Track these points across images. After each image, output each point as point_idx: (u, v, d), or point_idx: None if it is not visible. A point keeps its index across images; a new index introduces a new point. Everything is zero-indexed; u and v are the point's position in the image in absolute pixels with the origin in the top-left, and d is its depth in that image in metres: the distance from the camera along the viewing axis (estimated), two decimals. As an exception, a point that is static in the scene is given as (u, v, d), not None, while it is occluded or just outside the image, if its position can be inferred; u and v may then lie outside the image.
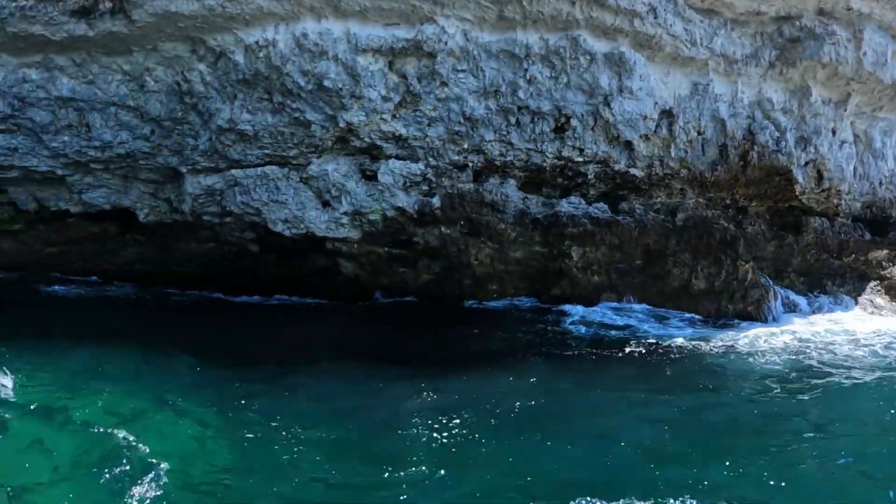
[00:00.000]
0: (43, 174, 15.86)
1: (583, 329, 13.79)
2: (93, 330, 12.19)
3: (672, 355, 11.82)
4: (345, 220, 15.22)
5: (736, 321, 14.53)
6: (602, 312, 14.84)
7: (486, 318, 14.90)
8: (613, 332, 13.55)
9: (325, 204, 15.25)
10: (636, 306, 15.16)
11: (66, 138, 15.01)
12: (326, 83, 13.56)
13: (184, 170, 15.45)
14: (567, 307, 15.10)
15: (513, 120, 14.64)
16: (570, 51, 14.19)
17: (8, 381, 8.62)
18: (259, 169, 15.05)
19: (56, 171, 15.70)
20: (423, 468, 7.09)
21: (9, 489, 6.10)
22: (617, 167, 15.27)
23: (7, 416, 7.69)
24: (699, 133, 15.72)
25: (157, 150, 15.16)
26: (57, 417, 7.75)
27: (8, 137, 15.09)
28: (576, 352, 12.13)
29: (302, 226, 15.23)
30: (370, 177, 15.02)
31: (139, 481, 6.41)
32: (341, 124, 14.04)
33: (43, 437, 7.23)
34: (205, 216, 16.16)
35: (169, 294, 17.71)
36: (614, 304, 15.23)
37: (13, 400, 8.28)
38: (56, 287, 17.65)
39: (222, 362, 10.84)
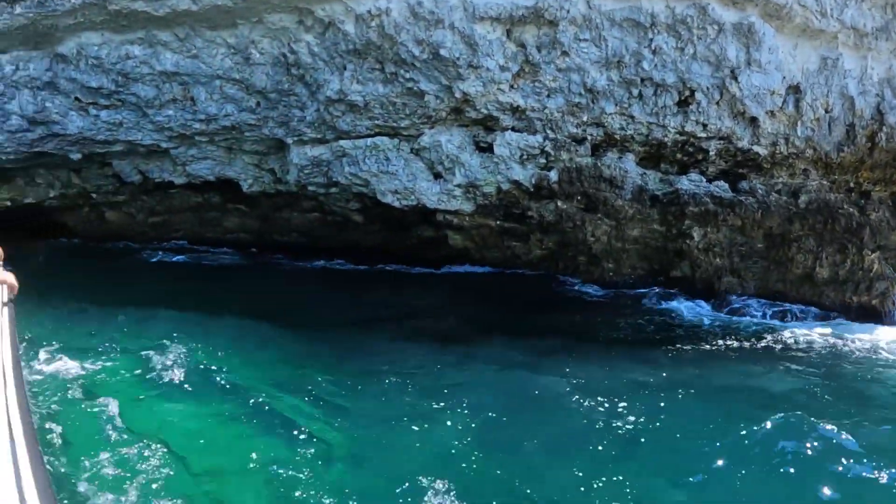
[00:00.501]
0: (147, 147, 15.50)
1: (705, 320, 12.85)
2: (223, 297, 13.23)
3: (817, 357, 10.63)
4: (457, 192, 14.43)
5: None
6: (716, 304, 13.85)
7: (600, 305, 14.02)
8: (743, 323, 12.56)
9: (437, 176, 14.47)
10: (751, 301, 13.99)
11: (170, 112, 14.52)
12: (443, 52, 12.59)
13: (290, 141, 14.85)
14: (674, 304, 13.98)
15: (635, 92, 13.43)
16: (697, 20, 12.80)
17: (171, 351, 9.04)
18: (369, 140, 14.33)
19: (160, 144, 15.30)
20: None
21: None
22: (740, 144, 13.90)
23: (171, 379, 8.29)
24: (826, 111, 14.12)
25: (263, 121, 14.55)
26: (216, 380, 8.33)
27: (112, 113, 14.70)
28: (697, 346, 11.17)
29: (413, 197, 14.53)
30: (484, 149, 14.12)
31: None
32: (457, 95, 13.11)
33: (207, 399, 7.78)
34: (310, 187, 15.62)
35: (276, 262, 17.37)
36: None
37: (174, 364, 8.69)
38: (162, 255, 17.59)
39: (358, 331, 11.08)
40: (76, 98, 14.47)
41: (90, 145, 15.38)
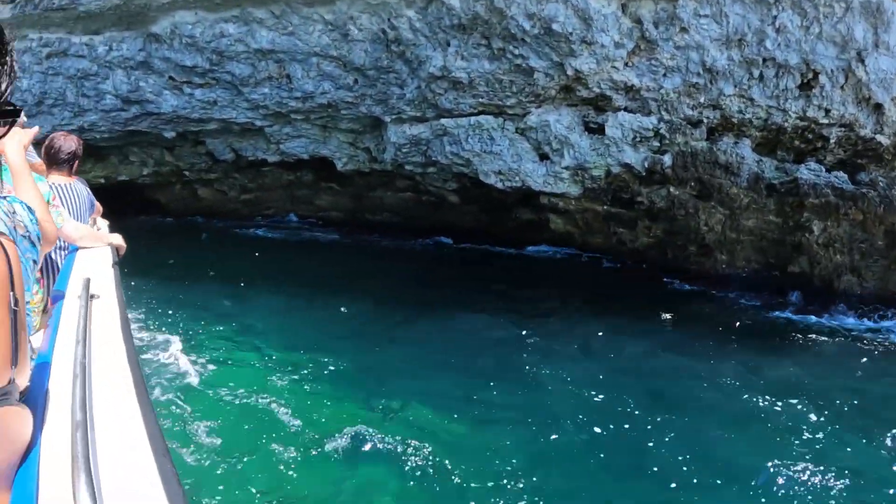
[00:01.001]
0: (241, 125, 14.99)
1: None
2: (321, 272, 13.28)
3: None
4: (565, 174, 13.46)
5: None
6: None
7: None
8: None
9: (544, 157, 13.52)
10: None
11: (265, 90, 13.92)
12: (555, 27, 11.54)
13: (387, 119, 14.09)
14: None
15: (756, 73, 12.12)
16: (823, -3, 11.45)
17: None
18: (472, 118, 13.45)
19: (255, 122, 14.76)
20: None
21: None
22: (862, 133, 12.41)
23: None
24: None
25: (360, 99, 13.80)
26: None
27: (206, 91, 14.19)
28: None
29: (517, 179, 13.64)
30: (594, 130, 13.07)
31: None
32: (569, 72, 12.07)
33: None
34: (407, 166, 14.88)
35: (372, 240, 16.80)
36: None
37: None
38: (257, 230, 17.27)
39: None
40: (170, 77, 14.01)
41: (184, 124, 14.96)
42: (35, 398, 1.53)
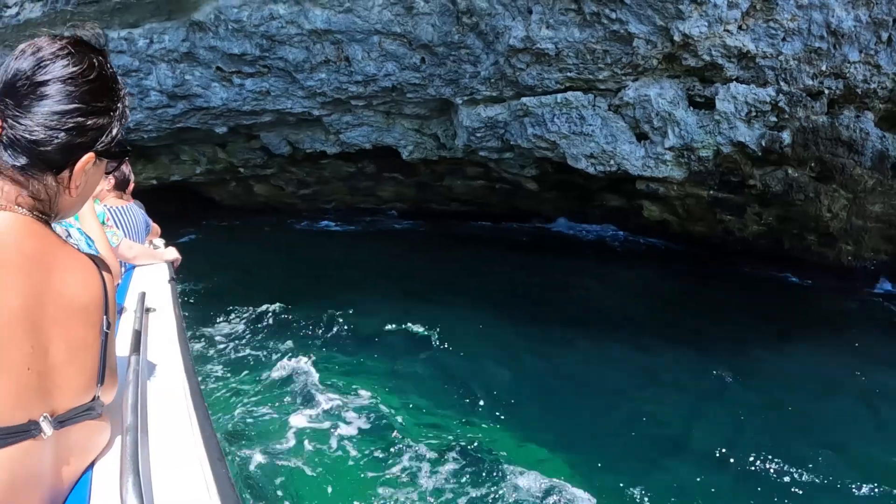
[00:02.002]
0: (297, 116, 13.47)
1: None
2: (396, 264, 12.32)
3: None
4: (668, 156, 11.61)
5: None
6: None
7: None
8: None
9: (642, 137, 11.69)
10: None
11: (322, 75, 12.33)
12: (660, -16, 9.69)
13: (458, 101, 12.41)
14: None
15: (884, 36, 10.09)
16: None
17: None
18: (558, 96, 11.68)
19: (312, 112, 13.22)
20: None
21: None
22: None
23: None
24: None
25: (428, 80, 12.13)
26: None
27: (258, 81, 12.67)
28: None
29: (612, 162, 11.85)
30: (699, 104, 11.19)
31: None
32: (675, 38, 10.18)
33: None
34: (480, 152, 13.22)
35: (445, 228, 15.26)
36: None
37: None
38: (313, 223, 15.87)
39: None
40: (217, 68, 12.51)
41: (236, 117, 13.49)
42: None
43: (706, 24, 10.07)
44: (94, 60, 1.21)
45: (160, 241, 4.87)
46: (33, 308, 1.14)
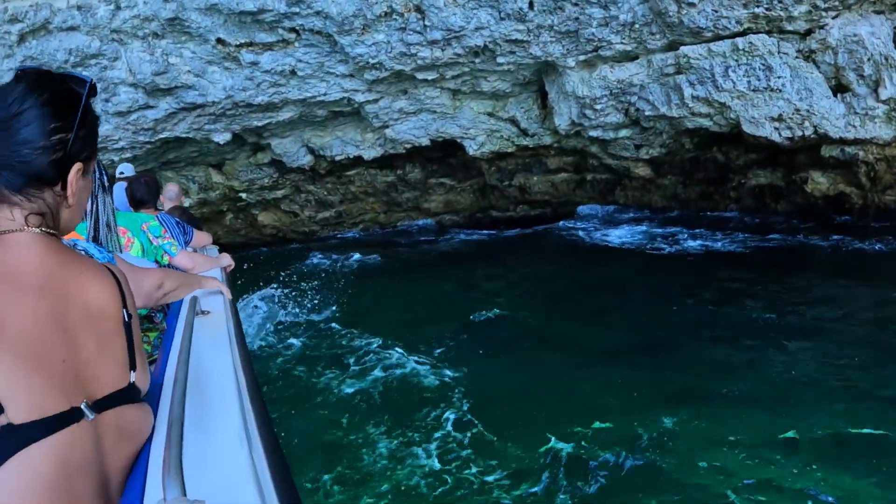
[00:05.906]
0: (330, 107, 9.26)
1: None
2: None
3: None
4: (878, 111, 7.88)
5: None
6: None
7: None
8: None
9: (842, 89, 7.93)
10: None
11: (380, 36, 8.10)
12: None
13: (571, 63, 8.41)
14: None
15: None
16: None
17: None
18: (730, 42, 7.78)
19: (354, 97, 9.01)
20: None
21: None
22: None
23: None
24: None
25: (535, 34, 8.06)
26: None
27: (279, 56, 8.36)
28: None
29: (806, 124, 8.08)
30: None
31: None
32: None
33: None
34: (591, 131, 9.24)
35: (505, 236, 10.98)
36: None
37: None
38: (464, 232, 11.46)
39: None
40: (219, 40, 8.12)
41: (244, 116, 9.12)
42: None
43: None
44: (57, 77, 1.20)
45: (213, 248, 4.44)
46: (60, 313, 1.16)
